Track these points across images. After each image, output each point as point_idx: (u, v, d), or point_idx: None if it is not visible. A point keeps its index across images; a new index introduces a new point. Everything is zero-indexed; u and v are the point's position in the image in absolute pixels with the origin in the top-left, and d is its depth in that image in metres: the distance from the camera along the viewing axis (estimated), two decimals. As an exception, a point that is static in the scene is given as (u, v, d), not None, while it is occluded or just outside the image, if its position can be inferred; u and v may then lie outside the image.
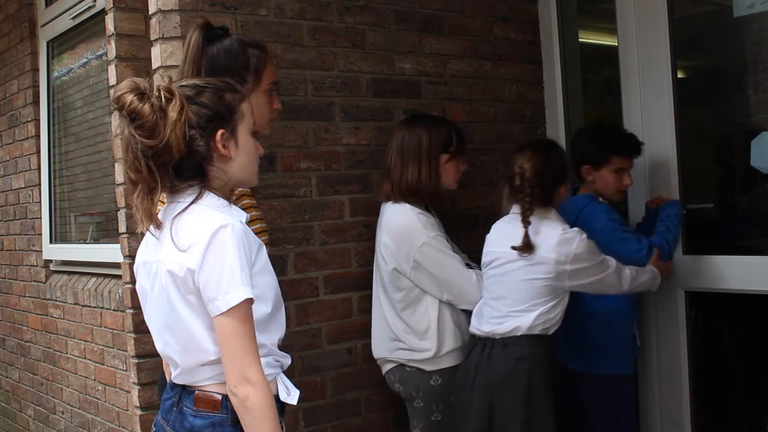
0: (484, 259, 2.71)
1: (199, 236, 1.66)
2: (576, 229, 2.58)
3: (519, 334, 2.55)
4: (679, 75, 3.09)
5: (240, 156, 1.77)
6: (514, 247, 2.55)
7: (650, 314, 3.10)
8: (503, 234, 2.64)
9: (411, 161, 2.70)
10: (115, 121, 2.98)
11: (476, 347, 2.62)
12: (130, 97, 1.66)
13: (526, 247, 2.53)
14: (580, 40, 3.56)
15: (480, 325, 2.63)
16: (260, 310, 1.72)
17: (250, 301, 1.66)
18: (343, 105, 2.88)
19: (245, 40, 2.21)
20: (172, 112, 1.65)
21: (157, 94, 1.67)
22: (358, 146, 2.90)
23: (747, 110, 3.23)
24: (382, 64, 2.98)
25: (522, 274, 2.55)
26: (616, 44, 3.21)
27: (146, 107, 1.65)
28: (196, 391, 1.73)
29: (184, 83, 1.77)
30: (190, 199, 1.72)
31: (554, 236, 2.53)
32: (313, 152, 2.80)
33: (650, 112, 3.07)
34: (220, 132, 1.73)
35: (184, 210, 1.70)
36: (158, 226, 1.71)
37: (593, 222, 2.80)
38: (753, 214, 3.26)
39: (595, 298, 2.80)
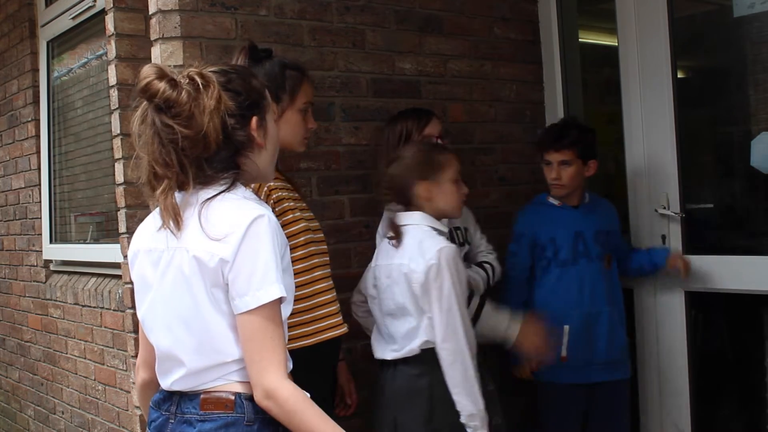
0: (370, 279, 2.51)
1: (235, 225, 1.52)
2: (437, 239, 2.36)
3: (417, 352, 2.35)
4: (679, 75, 3.09)
5: (269, 145, 1.67)
6: (389, 237, 2.41)
7: (650, 314, 3.10)
8: (386, 249, 2.45)
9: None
10: (117, 119, 2.98)
11: (384, 364, 2.48)
12: (161, 85, 1.52)
13: (395, 231, 2.37)
14: (580, 40, 3.56)
15: (383, 352, 2.46)
16: (284, 312, 1.59)
17: (280, 301, 1.54)
18: (343, 105, 2.88)
19: (285, 62, 2.29)
20: (210, 100, 1.53)
21: (188, 80, 1.54)
22: (358, 146, 2.90)
23: (747, 110, 3.23)
24: (382, 64, 2.98)
25: (403, 285, 2.34)
26: (616, 44, 3.21)
27: (183, 95, 1.52)
28: (202, 394, 1.57)
29: (211, 69, 1.63)
30: (221, 188, 1.59)
31: (416, 241, 2.35)
32: (313, 152, 2.80)
33: (650, 112, 3.07)
34: (255, 119, 1.62)
35: (214, 196, 1.57)
36: (179, 224, 1.56)
37: None
38: (753, 214, 3.26)
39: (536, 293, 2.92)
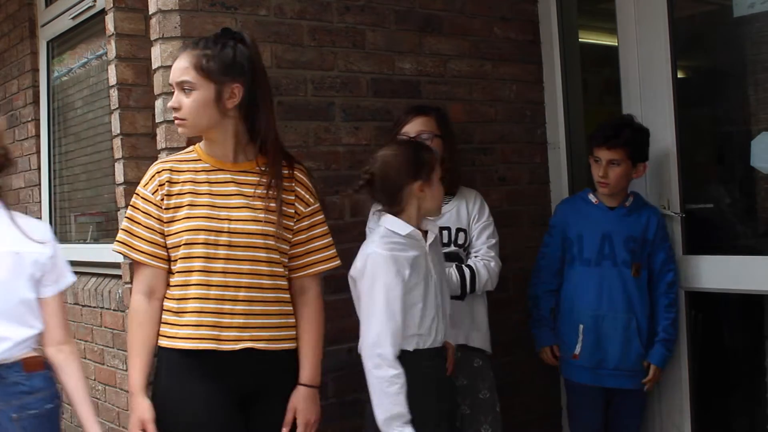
0: None
1: (45, 231, 2.22)
2: (376, 243, 2.27)
3: None
4: (679, 75, 3.09)
5: None
6: None
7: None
8: None
9: None
10: (117, 119, 2.99)
11: None
12: None
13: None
14: (580, 40, 3.56)
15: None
16: None
17: None
18: (343, 105, 2.88)
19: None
20: None
21: None
22: (358, 146, 2.90)
23: (747, 110, 3.23)
24: (382, 64, 2.98)
25: (352, 285, 2.38)
26: (616, 44, 3.21)
27: None
28: (22, 361, 2.11)
29: None
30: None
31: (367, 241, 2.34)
32: (313, 152, 2.80)
33: (650, 112, 3.07)
34: None
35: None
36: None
37: None
38: (753, 214, 3.26)
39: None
